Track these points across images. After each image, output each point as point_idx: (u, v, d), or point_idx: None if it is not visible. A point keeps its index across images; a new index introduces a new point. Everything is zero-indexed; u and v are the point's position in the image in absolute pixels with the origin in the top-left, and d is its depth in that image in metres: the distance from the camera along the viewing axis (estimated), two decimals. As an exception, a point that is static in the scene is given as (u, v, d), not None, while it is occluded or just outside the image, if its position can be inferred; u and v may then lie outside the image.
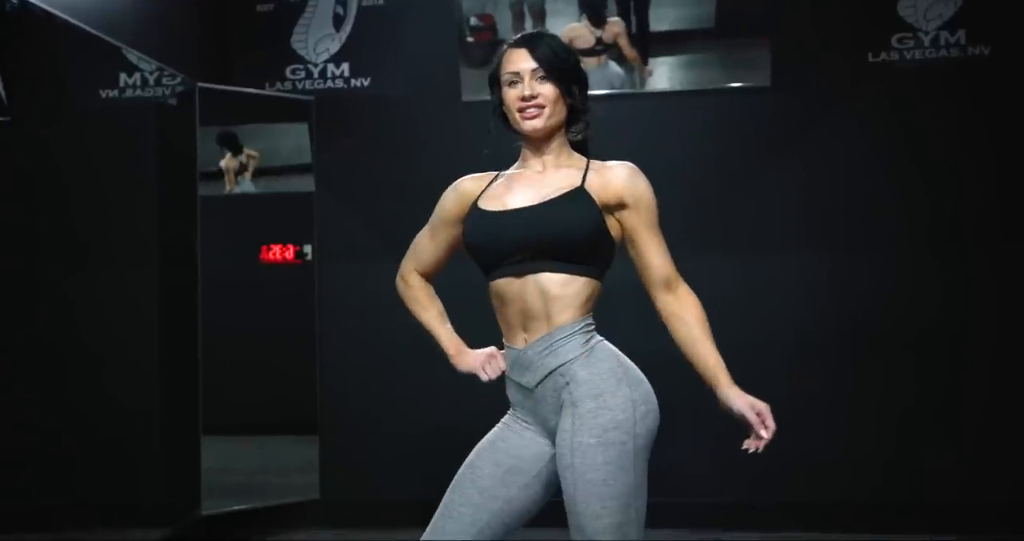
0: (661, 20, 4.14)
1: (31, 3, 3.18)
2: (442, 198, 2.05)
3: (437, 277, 2.14)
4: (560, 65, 1.93)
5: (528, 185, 1.94)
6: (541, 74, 1.92)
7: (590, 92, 2.02)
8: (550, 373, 1.88)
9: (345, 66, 4.38)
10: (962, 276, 3.96)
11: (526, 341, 1.91)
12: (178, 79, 4.02)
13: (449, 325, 2.11)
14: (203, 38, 4.46)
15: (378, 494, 4.18)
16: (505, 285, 1.91)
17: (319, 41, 4.39)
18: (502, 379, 2.00)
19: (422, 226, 2.11)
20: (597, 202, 1.89)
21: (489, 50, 3.96)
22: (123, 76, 4.00)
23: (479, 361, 2.03)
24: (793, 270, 4.04)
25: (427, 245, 2.10)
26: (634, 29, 4.12)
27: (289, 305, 4.30)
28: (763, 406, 1.84)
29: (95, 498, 3.54)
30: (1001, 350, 3.91)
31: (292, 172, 4.43)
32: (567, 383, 1.87)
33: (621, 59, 4.15)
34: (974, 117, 3.95)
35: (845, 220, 4.04)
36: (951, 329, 3.95)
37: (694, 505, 3.94)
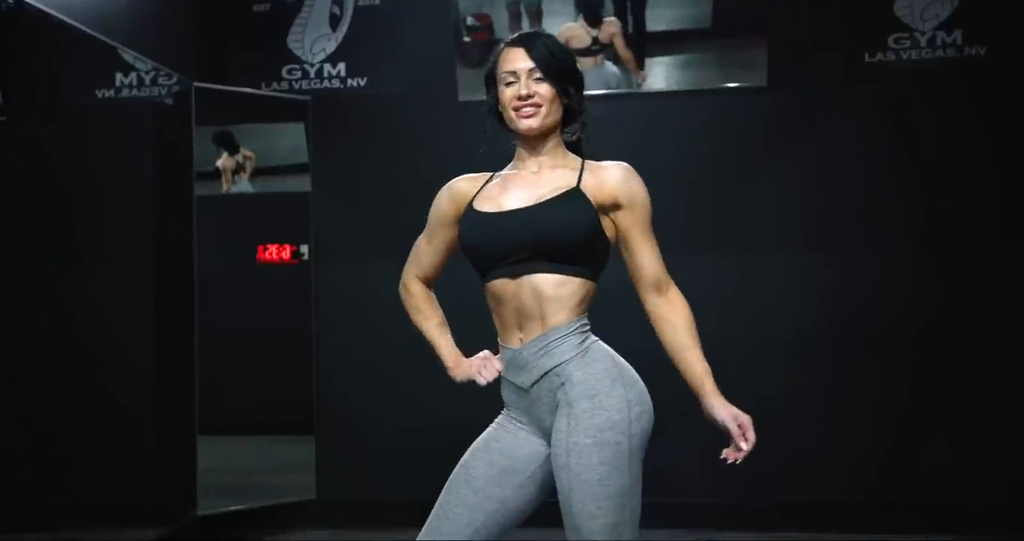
0: (657, 20, 4.14)
1: (27, 3, 3.17)
2: (436, 199, 2.05)
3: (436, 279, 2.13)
4: (557, 65, 1.93)
5: (523, 186, 1.94)
6: (538, 74, 1.91)
7: (586, 92, 2.01)
8: (545, 374, 1.88)
9: (341, 66, 4.38)
10: (958, 276, 3.96)
11: (521, 341, 1.91)
12: (174, 79, 4.01)
13: (449, 336, 2.09)
14: (199, 38, 4.45)
15: (375, 494, 4.18)
16: (501, 286, 1.91)
17: (315, 41, 4.39)
18: (499, 379, 2.00)
19: (419, 226, 2.11)
20: (593, 202, 1.88)
21: (486, 50, 3.97)
22: (119, 76, 3.99)
23: (474, 367, 2.01)
24: (789, 270, 4.04)
25: (426, 249, 2.09)
26: (630, 29, 4.12)
27: (285, 305, 4.29)
28: (746, 418, 1.84)
29: (91, 498, 3.53)
30: (997, 350, 3.91)
31: (288, 172, 4.42)
32: (562, 383, 1.87)
33: (617, 59, 4.15)
34: (970, 117, 3.96)
35: (841, 220, 4.04)
36: (947, 329, 3.95)
37: (689, 505, 3.94)
